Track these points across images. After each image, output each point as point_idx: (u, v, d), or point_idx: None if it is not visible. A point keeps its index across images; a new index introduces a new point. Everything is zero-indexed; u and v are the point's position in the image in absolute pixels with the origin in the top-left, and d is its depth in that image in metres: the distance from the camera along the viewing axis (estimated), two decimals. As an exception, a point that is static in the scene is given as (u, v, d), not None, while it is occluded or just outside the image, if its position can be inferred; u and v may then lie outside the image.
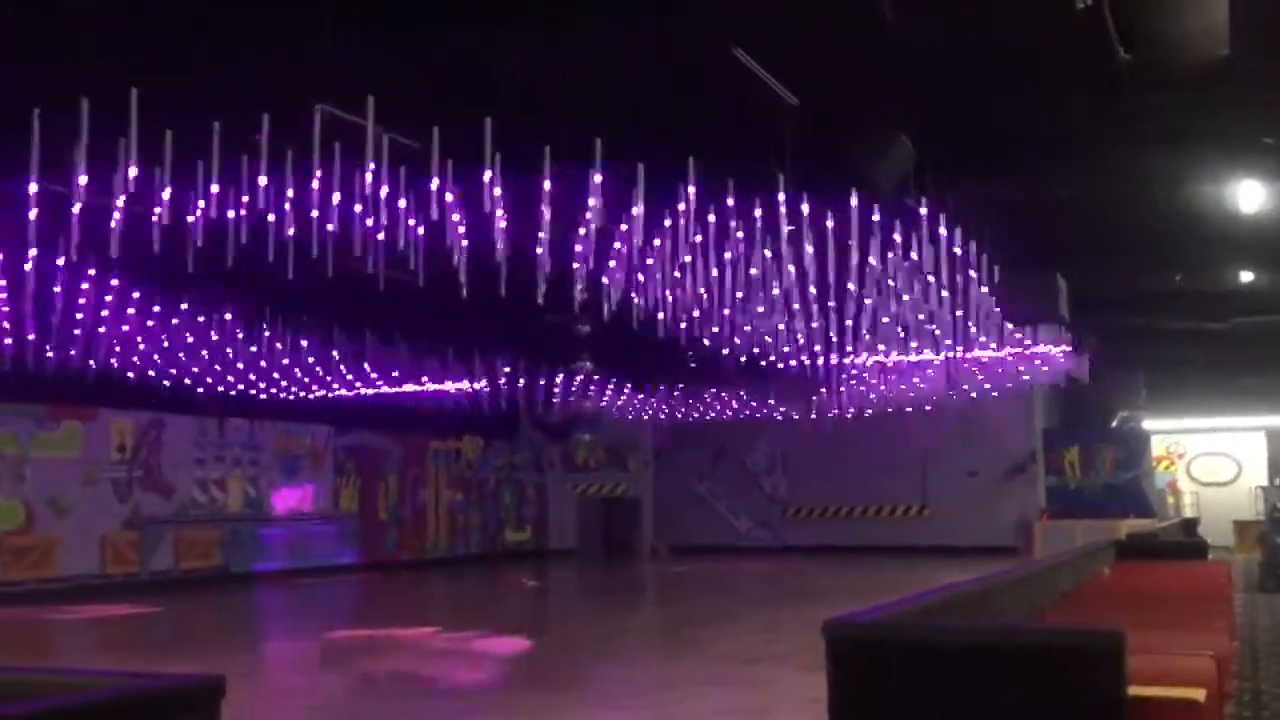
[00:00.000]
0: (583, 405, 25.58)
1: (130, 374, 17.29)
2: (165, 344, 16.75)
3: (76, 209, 8.49)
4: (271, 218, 9.35)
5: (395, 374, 21.39)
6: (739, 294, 13.38)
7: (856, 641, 4.19)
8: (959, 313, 15.30)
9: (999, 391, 21.69)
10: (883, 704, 4.07)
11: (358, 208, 9.12)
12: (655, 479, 31.86)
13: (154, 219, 8.99)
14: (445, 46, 9.55)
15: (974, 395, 21.72)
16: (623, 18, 9.12)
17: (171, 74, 8.68)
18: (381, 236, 9.72)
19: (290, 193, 9.00)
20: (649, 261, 12.31)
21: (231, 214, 9.29)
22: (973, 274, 13.76)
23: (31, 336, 14.15)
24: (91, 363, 15.97)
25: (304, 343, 18.43)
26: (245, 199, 9.17)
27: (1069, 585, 9.96)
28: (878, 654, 4.12)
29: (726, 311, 14.30)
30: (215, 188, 8.84)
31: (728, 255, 12.07)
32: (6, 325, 13.98)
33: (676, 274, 12.63)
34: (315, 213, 9.01)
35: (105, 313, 14.78)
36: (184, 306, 16.02)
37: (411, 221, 9.79)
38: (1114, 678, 3.84)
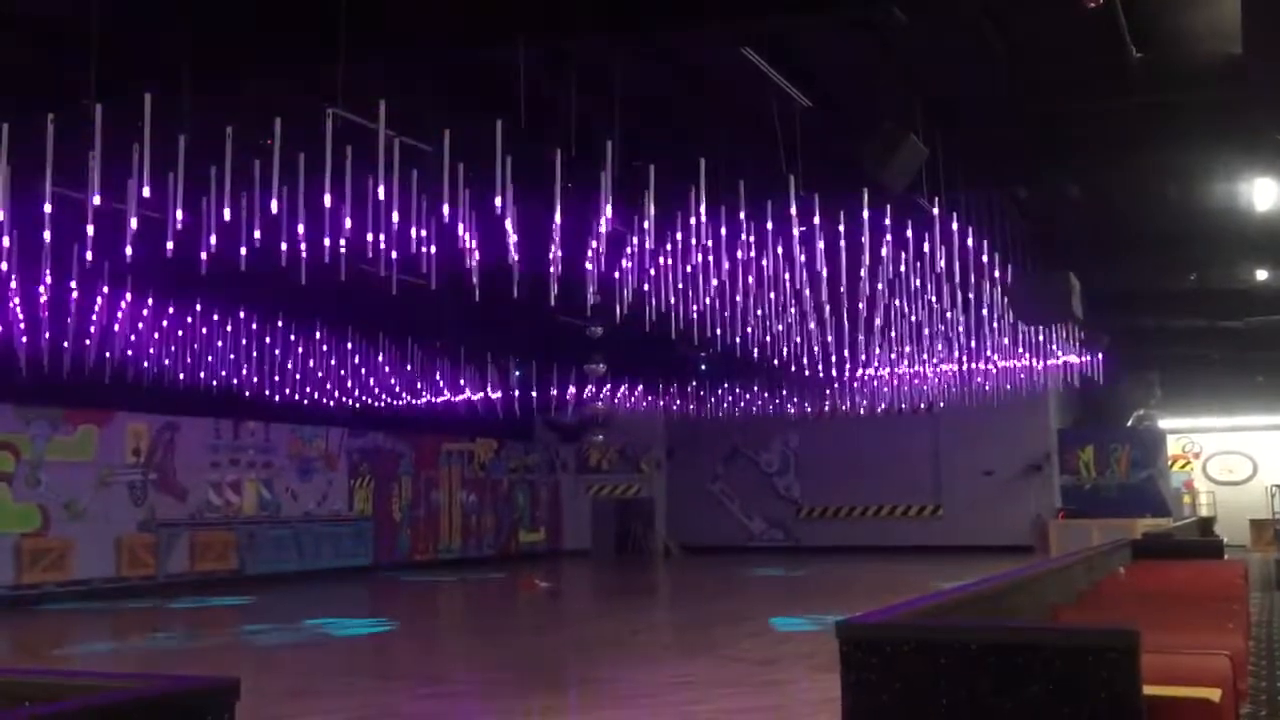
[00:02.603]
0: (596, 407, 25.62)
1: (145, 378, 17.37)
2: (179, 348, 16.83)
3: (91, 214, 8.53)
4: (284, 222, 9.38)
5: (408, 376, 21.45)
6: (751, 295, 13.39)
7: (869, 642, 4.18)
8: (972, 312, 15.29)
9: (1013, 391, 21.63)
10: (896, 705, 4.06)
11: (370, 212, 9.15)
12: (668, 479, 31.88)
13: (168, 224, 9.03)
14: (456, 52, 9.58)
15: (988, 394, 21.66)
16: (634, 21, 9.13)
17: (184, 80, 8.73)
18: (394, 240, 9.74)
19: (302, 197, 9.03)
20: (661, 263, 12.33)
21: (244, 219, 9.33)
22: (985, 273, 13.74)
23: (47, 339, 14.23)
24: (106, 366, 16.05)
25: (318, 346, 18.50)
26: (258, 204, 9.20)
27: (1084, 585, 9.93)
28: (891, 654, 4.12)
29: (739, 312, 14.31)
30: (228, 193, 8.88)
31: (739, 256, 12.07)
32: (22, 329, 14.05)
33: (688, 275, 12.64)
34: (327, 217, 9.04)
35: (120, 317, 14.86)
36: (198, 310, 16.10)
37: (424, 228, 9.82)
38: (1129, 677, 3.84)
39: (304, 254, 9.87)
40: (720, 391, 26.06)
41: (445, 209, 9.05)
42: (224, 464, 22.69)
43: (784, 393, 25.60)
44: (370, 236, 9.48)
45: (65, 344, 14.82)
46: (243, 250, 9.67)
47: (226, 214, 9.04)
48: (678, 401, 26.54)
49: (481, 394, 23.35)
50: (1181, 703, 4.36)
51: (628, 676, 10.81)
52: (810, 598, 18.49)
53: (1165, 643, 5.09)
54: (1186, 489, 32.55)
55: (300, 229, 9.35)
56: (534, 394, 23.77)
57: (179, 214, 8.94)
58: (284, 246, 9.68)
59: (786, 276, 12.93)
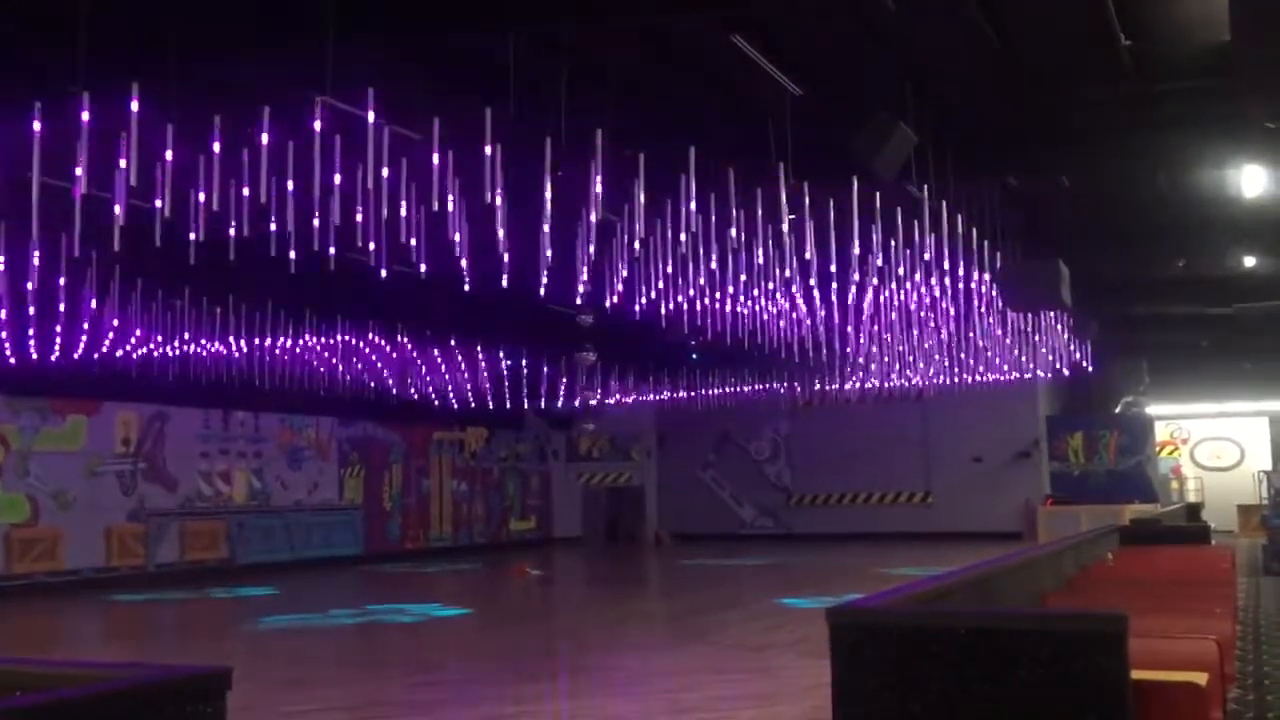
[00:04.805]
0: (586, 395, 25.62)
1: (134, 367, 17.32)
2: (168, 337, 16.78)
3: (78, 203, 8.49)
4: (273, 211, 9.35)
5: (398, 365, 21.42)
6: (741, 282, 13.40)
7: (860, 628, 4.21)
8: (961, 299, 15.32)
9: (1002, 378, 21.69)
10: (886, 690, 4.09)
11: (359, 200, 9.12)
12: (659, 467, 31.92)
13: (156, 212, 8.99)
14: (445, 38, 9.56)
15: (977, 379, 21.72)
16: (624, 7, 9.12)
17: (172, 67, 8.69)
18: (383, 228, 9.72)
19: (291, 185, 9.00)
20: (651, 251, 12.32)
21: (233, 207, 9.29)
22: (975, 260, 13.76)
23: (35, 330, 14.19)
24: (95, 356, 16.01)
25: (307, 335, 18.47)
26: (246, 192, 9.16)
27: (1072, 570, 9.99)
28: (881, 640, 4.14)
29: (729, 301, 14.33)
30: (216, 181, 8.84)
31: (730, 244, 12.07)
32: (10, 319, 14.00)
33: (679, 263, 12.63)
34: (316, 205, 9.01)
35: (108, 306, 14.80)
36: (186, 299, 16.04)
37: (413, 213, 9.80)
38: (1116, 662, 3.87)
39: (293, 243, 9.84)
40: (711, 379, 26.07)
41: (434, 197, 9.03)
42: (214, 453, 22.66)
43: (774, 380, 25.62)
44: (360, 225, 9.46)
45: (54, 334, 14.77)
46: (231, 238, 9.63)
47: (215, 203, 9.00)
48: (668, 390, 26.55)
49: (471, 382, 23.34)
50: (1169, 687, 4.39)
51: (619, 664, 10.83)
52: (800, 584, 18.53)
53: (1153, 628, 5.13)
54: (1174, 475, 32.70)
55: (289, 217, 9.33)
56: (524, 382, 23.75)
57: (167, 202, 8.89)
58: (273, 235, 9.66)
59: (776, 264, 12.94)
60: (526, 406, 27.41)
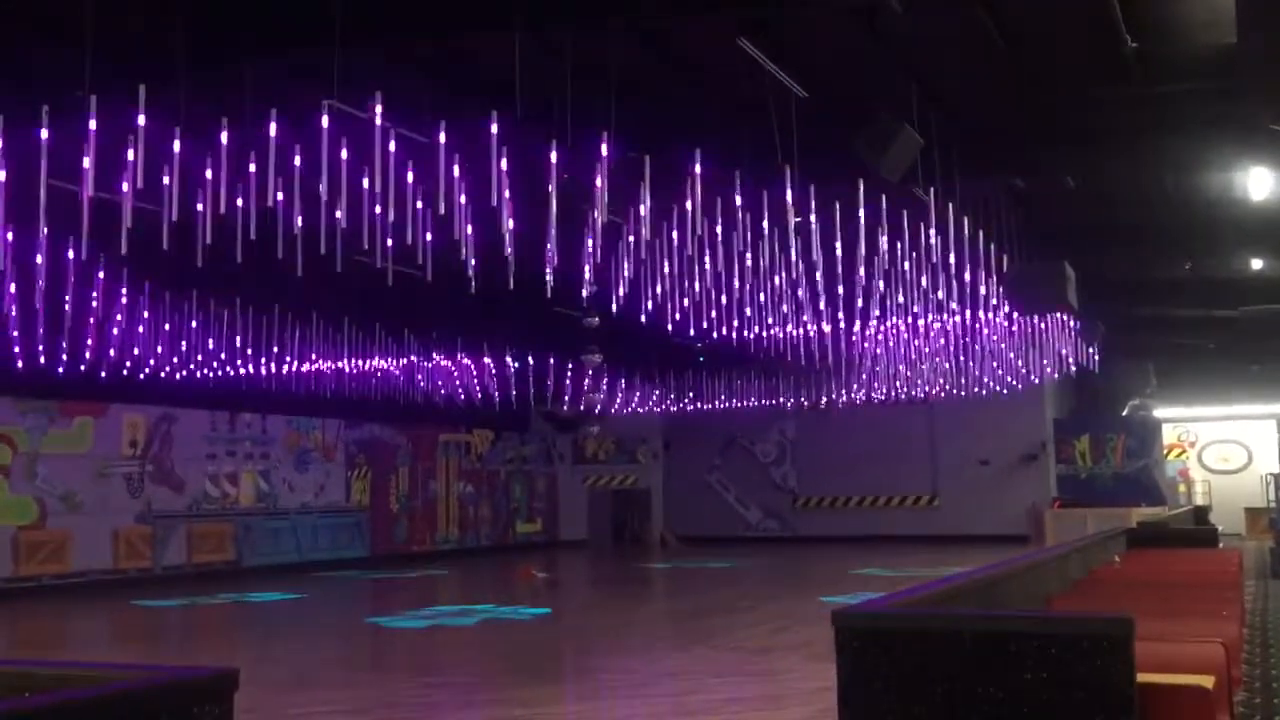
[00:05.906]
0: (592, 397, 25.61)
1: (141, 370, 17.35)
2: (175, 339, 16.81)
3: (86, 205, 8.51)
4: (280, 214, 9.35)
5: (405, 367, 21.45)
6: (747, 285, 13.40)
7: (866, 631, 4.21)
8: (968, 301, 15.30)
9: (1009, 380, 21.66)
10: (891, 692, 4.09)
11: (365, 202, 9.13)
12: (665, 470, 31.92)
13: (163, 215, 9.01)
14: (448, 41, 9.57)
15: (984, 383, 21.69)
16: (630, 9, 9.13)
17: (179, 70, 8.71)
18: (390, 231, 9.73)
19: (298, 188, 9.02)
20: (657, 253, 12.33)
21: (240, 210, 9.31)
22: (981, 262, 13.74)
23: (42, 333, 14.23)
24: (103, 358, 16.04)
25: (314, 337, 18.50)
26: (254, 194, 9.18)
27: (1079, 573, 9.97)
28: (887, 643, 4.14)
29: (735, 302, 14.32)
30: (224, 184, 8.86)
31: (736, 246, 12.07)
32: (18, 322, 14.03)
33: (684, 265, 12.64)
34: (323, 207, 9.02)
35: (116, 308, 14.84)
36: (194, 302, 16.08)
37: (420, 215, 9.81)
38: (1123, 665, 3.86)
39: (300, 245, 9.85)
40: (717, 382, 26.06)
41: (441, 200, 9.04)
42: (221, 455, 22.70)
43: (780, 383, 25.60)
44: (366, 227, 9.46)
45: (61, 336, 14.80)
46: (238, 241, 9.65)
47: (222, 205, 9.02)
48: (674, 392, 26.54)
49: (478, 385, 23.36)
50: (1175, 690, 4.39)
51: (623, 666, 10.83)
52: (806, 587, 18.52)
53: (1160, 631, 5.12)
54: (1182, 478, 32.63)
55: (296, 220, 9.35)
56: (530, 385, 23.77)
57: (174, 206, 8.91)
58: (280, 238, 9.67)
59: (782, 266, 12.93)
60: (533, 409, 27.41)
